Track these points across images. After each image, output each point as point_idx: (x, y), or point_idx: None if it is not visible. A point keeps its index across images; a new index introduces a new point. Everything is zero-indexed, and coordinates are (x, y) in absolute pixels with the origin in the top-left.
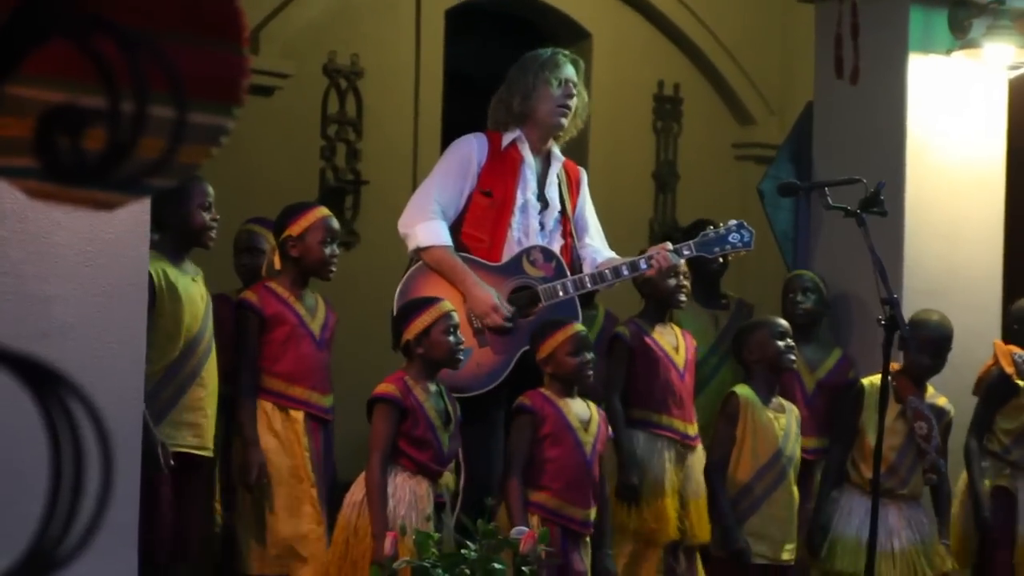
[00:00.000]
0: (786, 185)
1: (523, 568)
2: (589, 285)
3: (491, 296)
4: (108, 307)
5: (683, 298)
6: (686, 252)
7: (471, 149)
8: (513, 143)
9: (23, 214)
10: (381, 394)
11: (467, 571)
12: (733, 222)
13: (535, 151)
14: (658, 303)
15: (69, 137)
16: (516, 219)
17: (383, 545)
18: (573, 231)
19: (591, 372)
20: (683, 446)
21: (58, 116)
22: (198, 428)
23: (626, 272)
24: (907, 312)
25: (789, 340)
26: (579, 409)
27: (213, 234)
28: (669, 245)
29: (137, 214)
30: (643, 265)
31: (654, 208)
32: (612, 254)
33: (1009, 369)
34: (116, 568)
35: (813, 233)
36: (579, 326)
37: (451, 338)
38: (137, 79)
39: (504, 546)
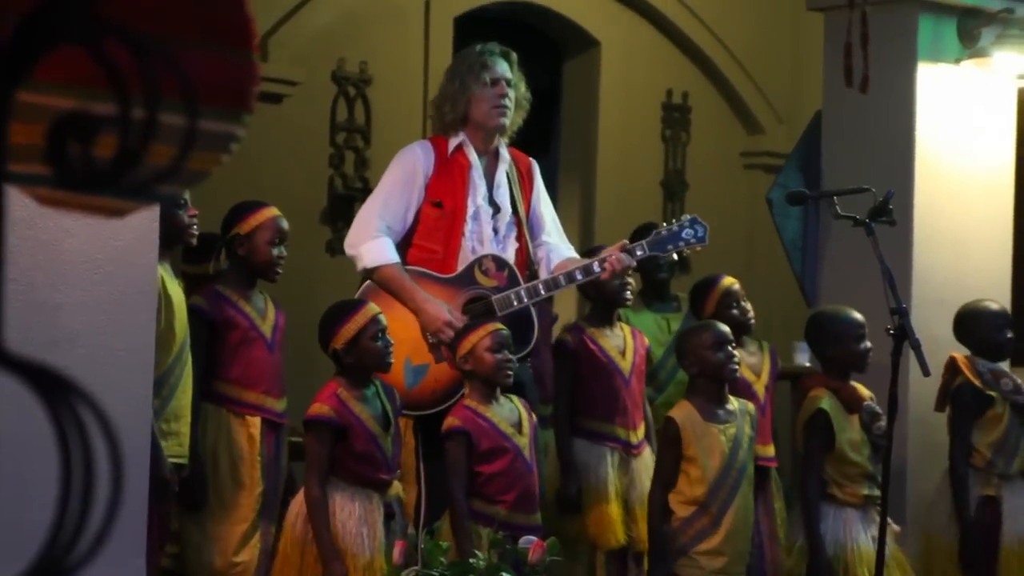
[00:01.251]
0: (795, 194)
1: None
2: (543, 292)
3: (442, 311)
4: (117, 315)
5: (628, 295)
6: (639, 252)
7: (416, 160)
8: (459, 147)
9: (32, 221)
10: (313, 416)
11: None
12: (687, 217)
13: (481, 152)
14: (604, 304)
15: (80, 144)
16: (469, 227)
17: (334, 567)
18: (527, 231)
19: (511, 373)
20: (626, 454)
21: (69, 123)
22: (180, 437)
23: (579, 276)
24: (916, 322)
25: (730, 347)
26: (506, 412)
27: (195, 230)
28: (627, 243)
29: (147, 221)
30: (596, 268)
31: (663, 216)
32: (572, 253)
33: (977, 381)
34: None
35: (822, 242)
36: (500, 325)
37: (379, 343)
38: (148, 85)
39: (512, 555)
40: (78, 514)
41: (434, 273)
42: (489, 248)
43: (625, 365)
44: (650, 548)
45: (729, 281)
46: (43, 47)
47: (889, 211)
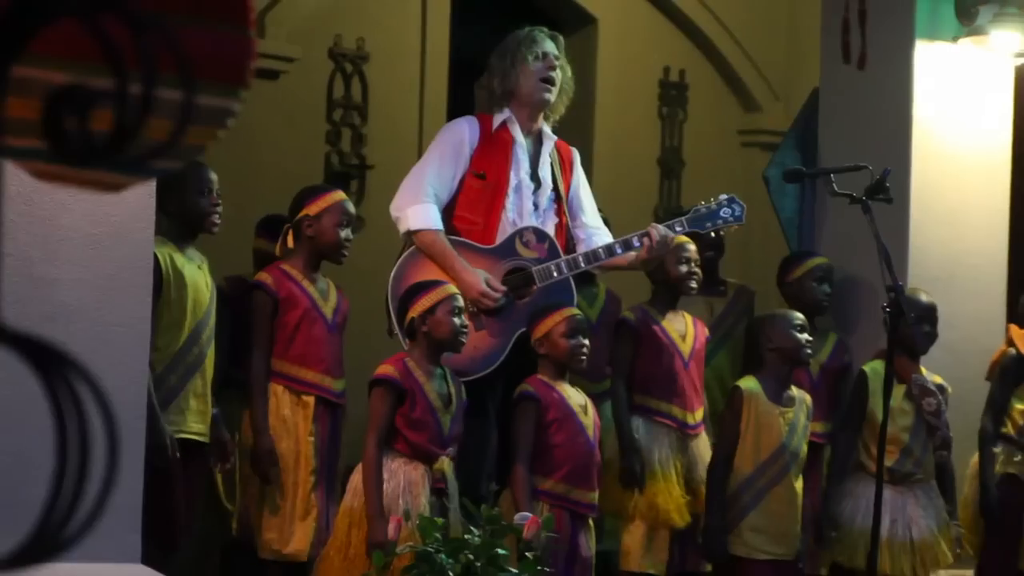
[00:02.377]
0: (791, 171)
1: (527, 554)
2: (583, 264)
3: (479, 279)
4: (114, 289)
5: (693, 284)
6: (678, 228)
7: (463, 132)
8: (504, 124)
9: (29, 196)
10: (379, 375)
11: (470, 556)
12: (724, 196)
13: (526, 131)
14: (668, 289)
15: (76, 118)
16: (510, 200)
17: (379, 526)
18: (567, 211)
19: (584, 358)
20: (683, 434)
21: (66, 97)
22: (201, 415)
23: (619, 250)
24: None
25: (807, 334)
26: (575, 394)
27: (216, 219)
28: (668, 225)
29: (143, 196)
30: (636, 243)
31: (659, 195)
32: (611, 238)
33: None
34: (120, 551)
35: (818, 219)
36: (576, 310)
37: (456, 319)
38: (145, 60)
39: (507, 531)
40: (74, 488)
41: (475, 243)
42: (529, 222)
43: (685, 348)
44: (708, 514)
45: (820, 259)
46: (40, 21)
47: (886, 189)
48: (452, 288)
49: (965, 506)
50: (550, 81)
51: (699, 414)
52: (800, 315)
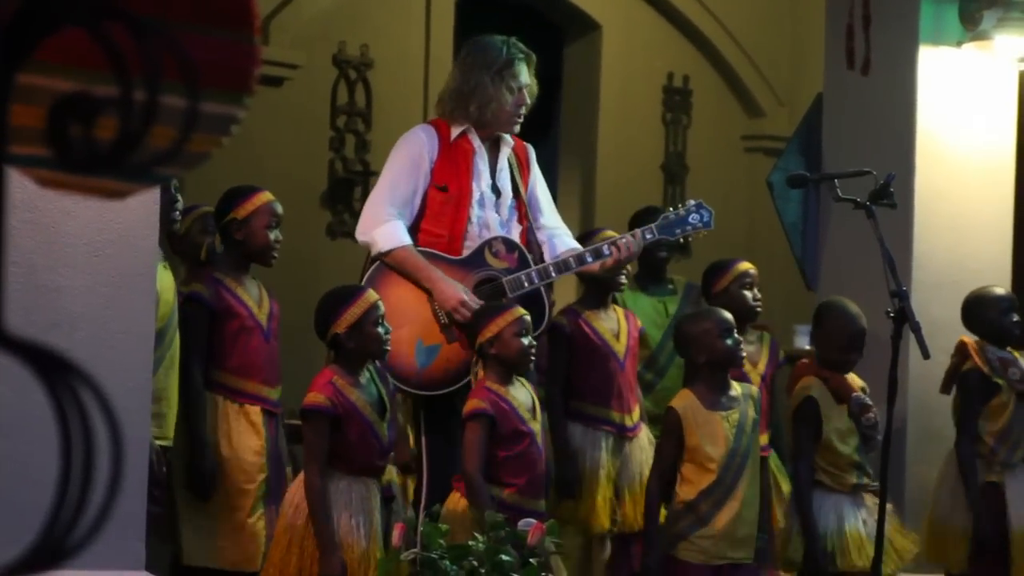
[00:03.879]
0: (795, 177)
1: (530, 560)
2: (554, 274)
3: (458, 290)
4: (117, 297)
5: (623, 280)
6: (648, 236)
7: (421, 145)
8: (463, 133)
9: (32, 204)
10: (310, 405)
11: (474, 563)
12: (692, 202)
13: (484, 138)
14: (598, 287)
15: (81, 126)
16: (474, 212)
17: (330, 560)
18: (528, 214)
19: (533, 357)
20: (620, 437)
21: (70, 105)
22: (160, 418)
23: (589, 259)
24: (916, 305)
25: (736, 334)
26: (522, 396)
27: (178, 215)
28: (638, 233)
29: (147, 204)
30: (606, 251)
31: (663, 200)
32: (574, 243)
33: (986, 368)
34: (125, 558)
35: (822, 225)
36: (523, 310)
37: (380, 329)
38: (149, 68)
39: (511, 538)
40: (78, 496)
41: (445, 255)
42: (495, 231)
43: (620, 348)
44: (644, 536)
45: (747, 265)
46: (45, 29)
47: (890, 194)
48: (372, 296)
49: (946, 522)
50: (521, 116)
51: (636, 414)
52: (725, 316)
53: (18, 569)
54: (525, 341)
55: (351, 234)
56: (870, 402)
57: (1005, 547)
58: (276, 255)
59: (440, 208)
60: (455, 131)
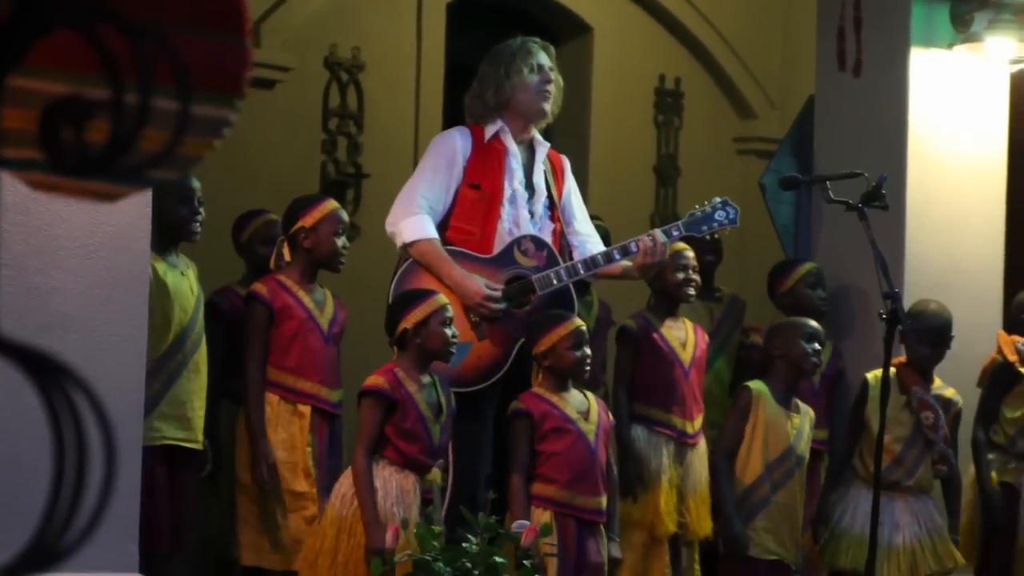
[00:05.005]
0: (787, 179)
1: (524, 562)
2: (582, 272)
3: (480, 285)
4: (110, 299)
5: (692, 291)
6: (675, 233)
7: (455, 143)
8: (496, 135)
9: (25, 207)
10: (369, 387)
11: (468, 565)
12: (718, 199)
13: (518, 140)
14: (666, 296)
15: (73, 129)
16: (505, 210)
17: (376, 532)
18: (561, 217)
19: (589, 367)
20: (681, 443)
21: (62, 107)
22: (186, 421)
23: (617, 256)
24: (907, 305)
25: (817, 344)
26: (576, 401)
27: (197, 228)
28: (660, 232)
29: (139, 206)
30: (633, 248)
31: (655, 202)
32: (602, 246)
33: (1012, 357)
34: (118, 561)
35: (814, 227)
36: (579, 321)
37: (447, 330)
38: (141, 70)
39: (505, 540)
40: (71, 498)
41: (474, 253)
42: (526, 230)
43: (685, 356)
44: (720, 512)
45: (811, 265)
46: (37, 31)
47: (882, 196)
48: (443, 299)
49: (963, 513)
50: (547, 92)
51: (698, 422)
52: (814, 324)
53: (11, 572)
54: (579, 353)
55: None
56: (932, 401)
57: (1012, 548)
58: (344, 261)
59: (472, 206)
60: (489, 132)
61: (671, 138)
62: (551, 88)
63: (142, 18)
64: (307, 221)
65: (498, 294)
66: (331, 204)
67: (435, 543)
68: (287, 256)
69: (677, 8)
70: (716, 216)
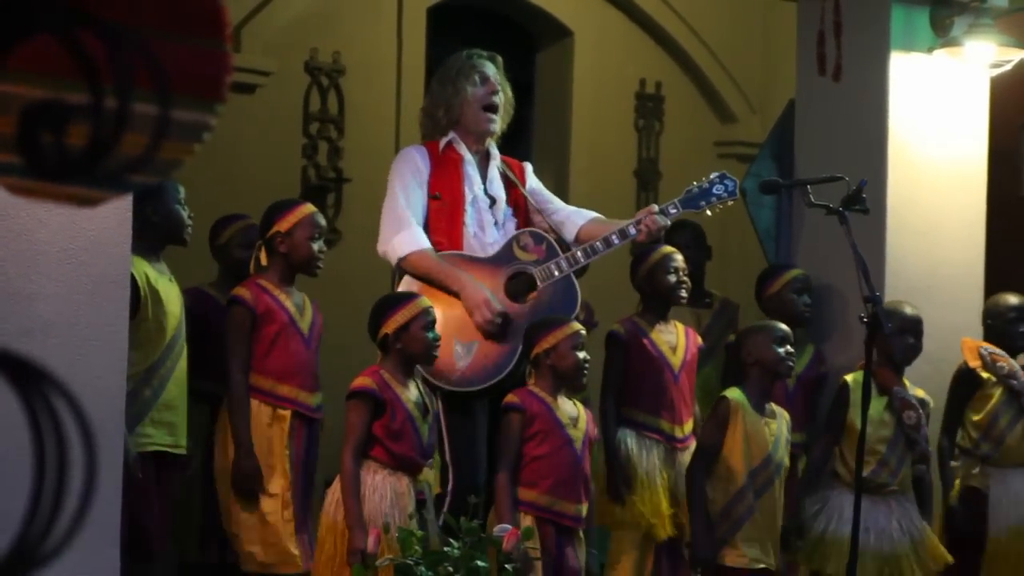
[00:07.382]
0: (768, 183)
1: (506, 566)
2: (582, 260)
3: (482, 292)
4: (90, 304)
5: (684, 294)
6: (672, 211)
7: (415, 159)
8: (449, 143)
9: (4, 211)
10: (357, 388)
11: (450, 569)
12: (715, 174)
13: (472, 151)
14: (657, 300)
15: (52, 133)
16: (469, 215)
17: (358, 535)
18: (537, 208)
19: (587, 372)
20: (671, 447)
21: (41, 112)
22: (173, 427)
23: (616, 240)
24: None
25: (789, 347)
26: (567, 407)
27: (189, 230)
28: (655, 207)
29: (119, 211)
30: (632, 231)
31: (636, 206)
32: (592, 213)
33: (974, 363)
34: (99, 566)
35: (795, 231)
36: (579, 325)
37: (429, 334)
38: (120, 75)
39: (487, 544)
40: (52, 503)
41: (473, 255)
42: (491, 234)
43: (675, 361)
44: (693, 528)
45: (798, 271)
46: (16, 36)
47: (862, 199)
48: (426, 302)
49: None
50: (493, 108)
51: (688, 427)
52: (783, 327)
53: None
54: (580, 355)
55: (325, 241)
56: (914, 401)
57: (980, 552)
58: (320, 265)
59: (436, 216)
60: (442, 143)
61: (652, 142)
62: (497, 101)
63: (121, 23)
64: (282, 226)
65: (498, 307)
66: (307, 208)
67: (417, 547)
68: (263, 261)
69: (658, 12)
70: (714, 190)
